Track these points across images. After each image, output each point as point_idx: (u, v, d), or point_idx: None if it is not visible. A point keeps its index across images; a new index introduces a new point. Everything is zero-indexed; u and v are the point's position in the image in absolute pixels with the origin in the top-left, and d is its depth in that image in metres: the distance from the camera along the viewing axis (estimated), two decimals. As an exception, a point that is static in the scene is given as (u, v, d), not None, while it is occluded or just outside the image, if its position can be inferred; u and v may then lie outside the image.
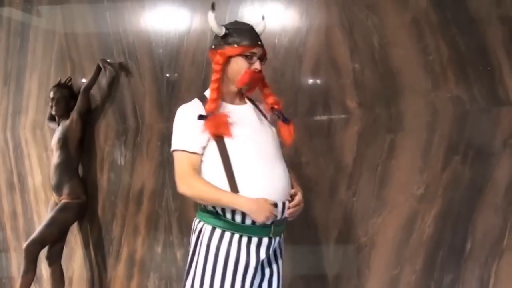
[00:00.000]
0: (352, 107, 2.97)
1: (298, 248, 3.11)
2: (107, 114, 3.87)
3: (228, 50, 2.29)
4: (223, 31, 2.31)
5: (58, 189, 3.86)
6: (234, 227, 2.21)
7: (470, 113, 2.68)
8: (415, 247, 2.80)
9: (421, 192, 2.79)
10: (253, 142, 2.26)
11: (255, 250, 2.23)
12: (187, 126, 2.23)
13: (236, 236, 2.21)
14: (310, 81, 3.12)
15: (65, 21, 4.11)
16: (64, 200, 3.83)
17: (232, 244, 2.21)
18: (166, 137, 3.59)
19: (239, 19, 3.05)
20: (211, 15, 2.29)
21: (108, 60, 3.81)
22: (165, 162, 3.61)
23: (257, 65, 2.31)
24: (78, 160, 3.95)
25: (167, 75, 3.60)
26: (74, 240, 4.07)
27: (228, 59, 2.29)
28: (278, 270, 2.38)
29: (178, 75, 3.57)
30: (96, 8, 3.92)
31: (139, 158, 3.76)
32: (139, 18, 3.73)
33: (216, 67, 2.29)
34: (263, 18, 2.48)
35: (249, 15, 3.25)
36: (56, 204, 3.89)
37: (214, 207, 2.23)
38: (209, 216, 2.25)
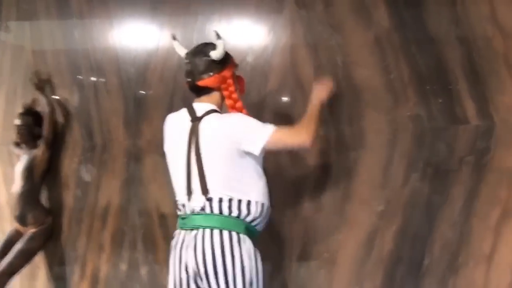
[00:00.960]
0: (315, 125, 3.00)
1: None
2: (73, 130, 3.84)
3: (231, 67, 2.39)
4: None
5: (22, 219, 3.81)
6: (251, 232, 2.27)
7: (429, 131, 2.74)
8: (375, 263, 2.82)
9: (381, 209, 2.82)
10: None
11: None
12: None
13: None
14: (276, 98, 3.15)
15: (33, 37, 4.09)
16: (30, 230, 3.78)
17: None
18: (132, 154, 3.57)
19: (206, 38, 3.08)
20: (221, 42, 2.32)
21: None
22: (131, 179, 3.59)
23: None
24: (41, 187, 3.91)
25: (135, 92, 3.60)
26: (38, 259, 3.99)
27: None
28: None
29: (146, 92, 3.57)
30: (64, 24, 3.91)
31: (105, 175, 3.72)
32: (107, 35, 3.73)
33: (231, 87, 2.35)
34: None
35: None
36: (17, 231, 3.84)
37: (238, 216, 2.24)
38: (228, 223, 2.23)
